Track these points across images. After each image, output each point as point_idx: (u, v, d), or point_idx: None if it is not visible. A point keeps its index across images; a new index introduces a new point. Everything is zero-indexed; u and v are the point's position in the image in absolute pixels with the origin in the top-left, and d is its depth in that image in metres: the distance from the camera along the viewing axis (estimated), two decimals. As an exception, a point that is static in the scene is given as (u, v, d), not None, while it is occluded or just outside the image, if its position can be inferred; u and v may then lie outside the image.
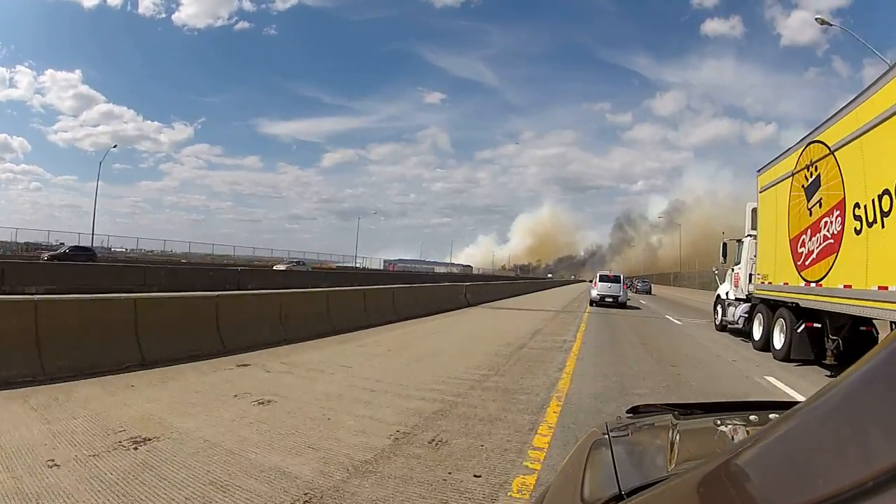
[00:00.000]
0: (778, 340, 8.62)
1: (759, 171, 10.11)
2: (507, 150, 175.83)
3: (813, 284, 7.45)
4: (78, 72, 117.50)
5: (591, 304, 21.02)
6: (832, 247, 6.99)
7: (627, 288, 23.90)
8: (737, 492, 0.47)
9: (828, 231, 7.13)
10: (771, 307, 9.18)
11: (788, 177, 8.50)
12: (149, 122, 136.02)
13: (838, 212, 6.89)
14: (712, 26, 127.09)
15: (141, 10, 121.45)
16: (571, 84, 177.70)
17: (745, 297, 11.36)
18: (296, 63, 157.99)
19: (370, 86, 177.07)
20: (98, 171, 50.74)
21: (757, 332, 9.68)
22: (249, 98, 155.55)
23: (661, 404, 1.35)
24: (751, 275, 11.21)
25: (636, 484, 0.71)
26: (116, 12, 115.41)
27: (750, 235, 11.41)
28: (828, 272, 7.06)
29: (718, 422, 1.20)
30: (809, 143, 7.98)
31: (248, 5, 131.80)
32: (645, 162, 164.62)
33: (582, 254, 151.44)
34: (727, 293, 12.70)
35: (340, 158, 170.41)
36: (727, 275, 13.10)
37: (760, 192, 9.93)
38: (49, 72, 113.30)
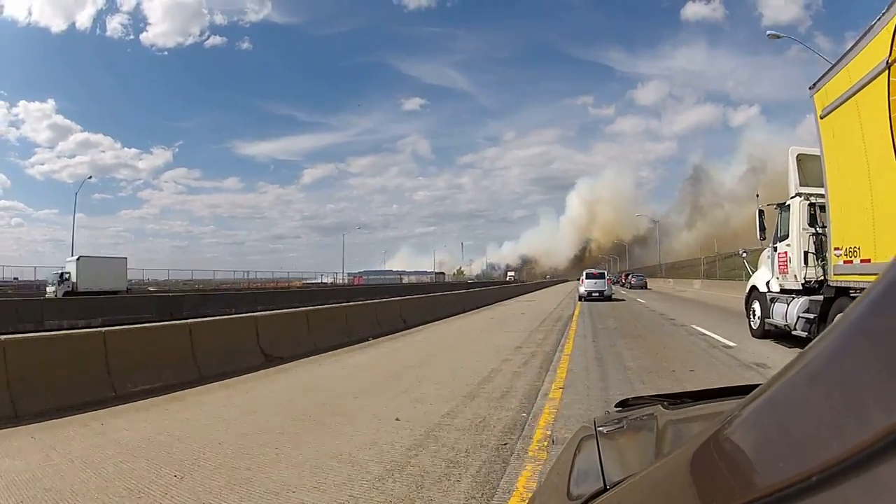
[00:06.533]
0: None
1: (816, 83, 6.32)
2: (488, 153, 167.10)
3: None
4: (51, 101, 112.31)
5: (579, 300, 21.42)
6: None
7: (612, 283, 27.36)
8: (721, 468, 0.42)
9: None
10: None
11: (882, 71, 4.84)
12: (126, 148, 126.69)
13: None
14: (693, 10, 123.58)
15: (109, 32, 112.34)
16: (550, 82, 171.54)
17: (801, 288, 7.63)
18: (269, 82, 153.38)
19: (344, 99, 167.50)
20: (74, 204, 49.27)
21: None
22: (225, 119, 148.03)
23: (651, 395, 1.26)
24: (807, 253, 7.52)
25: (621, 476, 0.69)
26: (85, 36, 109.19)
27: (799, 195, 7.73)
28: None
29: (709, 409, 1.05)
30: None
31: (219, 18, 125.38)
32: (628, 155, 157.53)
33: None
34: (768, 283, 8.94)
35: (321, 174, 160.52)
36: (765, 257, 9.36)
37: (823, 118, 6.14)
38: (22, 103, 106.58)
